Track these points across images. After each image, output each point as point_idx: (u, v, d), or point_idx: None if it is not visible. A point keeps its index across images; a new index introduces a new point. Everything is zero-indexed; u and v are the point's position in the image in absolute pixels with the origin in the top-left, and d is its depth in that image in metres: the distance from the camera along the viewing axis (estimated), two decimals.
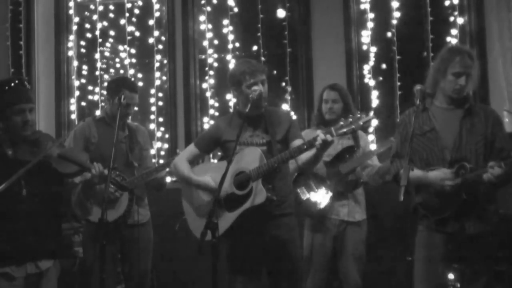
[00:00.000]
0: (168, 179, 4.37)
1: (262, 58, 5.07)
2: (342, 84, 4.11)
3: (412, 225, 2.98)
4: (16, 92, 2.69)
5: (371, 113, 2.80)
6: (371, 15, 4.95)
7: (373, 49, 4.94)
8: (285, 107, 5.04)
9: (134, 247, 3.70)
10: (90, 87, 5.59)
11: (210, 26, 5.31)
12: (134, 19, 5.49)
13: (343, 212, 3.75)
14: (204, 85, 5.30)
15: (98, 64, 5.54)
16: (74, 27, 5.61)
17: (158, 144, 5.31)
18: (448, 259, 2.95)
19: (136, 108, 3.90)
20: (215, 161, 4.73)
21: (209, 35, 5.30)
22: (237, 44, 5.25)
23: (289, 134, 3.11)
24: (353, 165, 3.72)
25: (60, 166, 2.70)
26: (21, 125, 2.66)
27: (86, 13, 5.63)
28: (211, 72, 5.30)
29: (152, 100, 5.38)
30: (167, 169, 3.77)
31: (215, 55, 5.31)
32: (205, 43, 5.29)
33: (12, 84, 2.66)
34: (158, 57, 5.41)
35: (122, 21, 5.49)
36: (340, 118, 3.14)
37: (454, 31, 4.78)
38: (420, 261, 2.93)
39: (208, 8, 5.33)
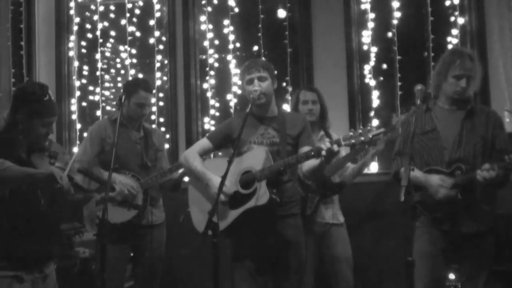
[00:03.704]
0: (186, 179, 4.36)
1: (263, 58, 5.07)
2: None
3: (409, 223, 2.97)
4: (50, 104, 2.69)
5: (382, 128, 2.76)
6: (371, 15, 4.95)
7: (374, 49, 4.94)
8: (286, 107, 5.04)
9: (146, 248, 3.70)
10: (91, 88, 5.60)
11: (210, 26, 5.32)
12: (134, 20, 5.50)
13: (328, 215, 3.80)
14: (205, 85, 5.31)
15: (99, 65, 5.55)
16: (75, 28, 5.61)
17: None
18: (445, 257, 2.98)
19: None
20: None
21: (210, 35, 5.30)
22: (237, 44, 5.26)
23: (300, 138, 3.14)
24: (337, 167, 3.77)
25: (82, 182, 2.74)
26: (44, 136, 2.69)
27: (86, 13, 5.64)
28: (212, 72, 5.30)
29: (153, 100, 5.37)
30: (181, 170, 3.77)
31: (216, 55, 5.31)
32: (206, 43, 5.30)
33: (48, 96, 2.66)
34: (158, 57, 5.42)
35: (123, 22, 5.50)
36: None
37: (454, 31, 4.78)
38: (419, 257, 2.93)
39: (209, 8, 5.33)
